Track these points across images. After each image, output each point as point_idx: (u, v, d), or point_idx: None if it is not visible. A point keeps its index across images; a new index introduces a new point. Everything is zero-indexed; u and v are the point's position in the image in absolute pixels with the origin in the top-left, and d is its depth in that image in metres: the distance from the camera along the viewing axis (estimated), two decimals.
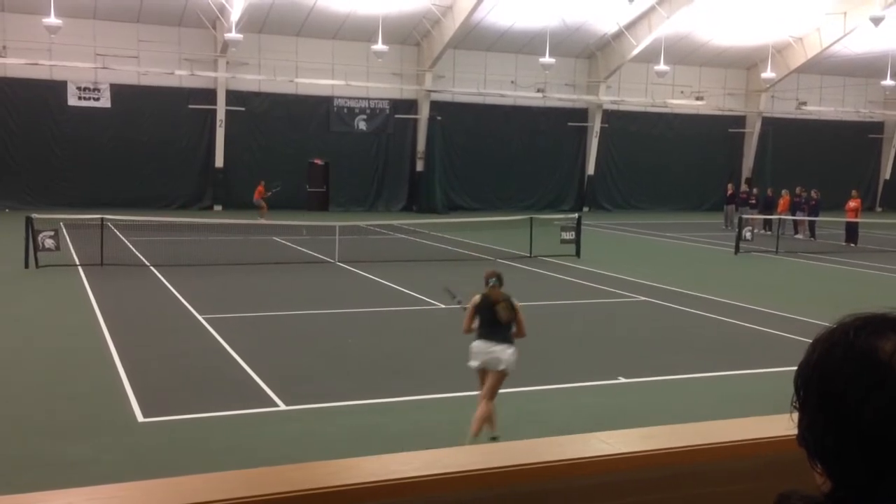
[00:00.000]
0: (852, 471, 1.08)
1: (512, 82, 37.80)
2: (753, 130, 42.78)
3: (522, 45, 36.57)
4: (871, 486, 1.07)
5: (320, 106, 35.77)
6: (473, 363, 7.92)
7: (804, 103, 41.82)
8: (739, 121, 42.94)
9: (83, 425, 8.25)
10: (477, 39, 35.79)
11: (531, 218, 23.02)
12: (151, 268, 18.29)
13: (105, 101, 32.99)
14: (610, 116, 39.98)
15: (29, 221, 17.93)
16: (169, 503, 1.67)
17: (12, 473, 6.93)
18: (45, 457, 7.33)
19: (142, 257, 19.76)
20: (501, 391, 8.01)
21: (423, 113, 36.97)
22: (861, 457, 1.07)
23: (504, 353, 7.74)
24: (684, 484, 2.10)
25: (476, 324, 7.91)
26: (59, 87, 32.34)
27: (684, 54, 38.80)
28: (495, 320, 7.79)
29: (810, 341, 1.21)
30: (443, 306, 12.05)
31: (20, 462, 7.21)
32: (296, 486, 1.77)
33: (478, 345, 7.85)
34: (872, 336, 1.10)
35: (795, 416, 1.18)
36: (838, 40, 36.38)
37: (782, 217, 28.80)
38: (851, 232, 27.72)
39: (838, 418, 1.09)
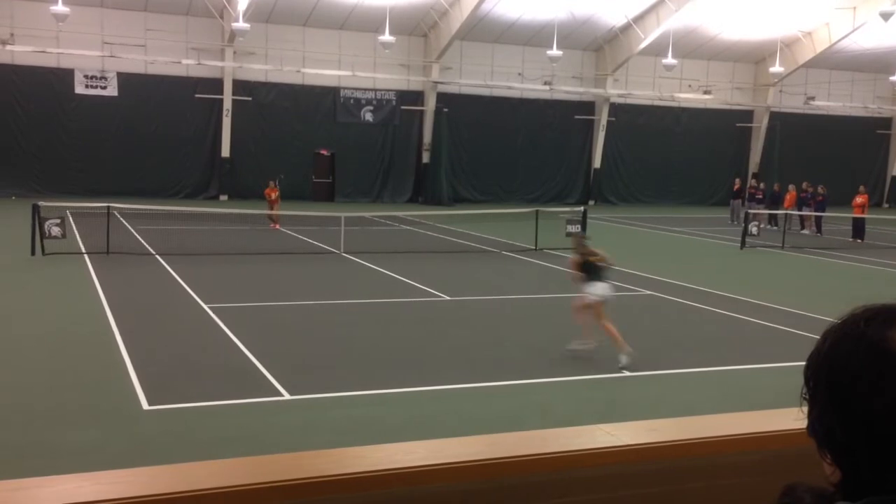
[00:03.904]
0: (861, 463, 1.08)
1: (519, 74, 37.71)
2: (761, 125, 42.64)
3: (530, 37, 36.48)
4: (880, 478, 1.06)
5: (327, 96, 35.75)
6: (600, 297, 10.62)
7: (812, 98, 41.66)
8: (747, 115, 42.80)
9: (89, 413, 8.28)
10: (484, 31, 35.70)
11: (537, 210, 23.01)
12: (157, 257, 18.32)
13: (112, 90, 33.02)
14: (617, 110, 39.88)
15: (35, 209, 17.96)
16: (174, 490, 1.68)
17: (18, 460, 6.96)
18: (51, 444, 7.36)
19: (148, 246, 19.79)
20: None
21: (430, 104, 36.92)
22: (869, 449, 1.06)
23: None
24: (689, 476, 2.10)
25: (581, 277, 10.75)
26: (66, 76, 32.37)
27: (692, 48, 38.67)
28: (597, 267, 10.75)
29: (817, 336, 1.20)
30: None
31: (26, 449, 7.24)
32: (299, 475, 1.78)
33: (601, 283, 10.67)
34: (883, 326, 1.09)
35: (804, 407, 1.18)
36: (847, 35, 36.23)
37: (789, 212, 28.72)
38: (858, 228, 27.63)
39: (847, 410, 1.08)
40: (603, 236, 24.63)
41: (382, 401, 8.92)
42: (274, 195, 25.63)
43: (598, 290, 10.59)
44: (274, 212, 25.17)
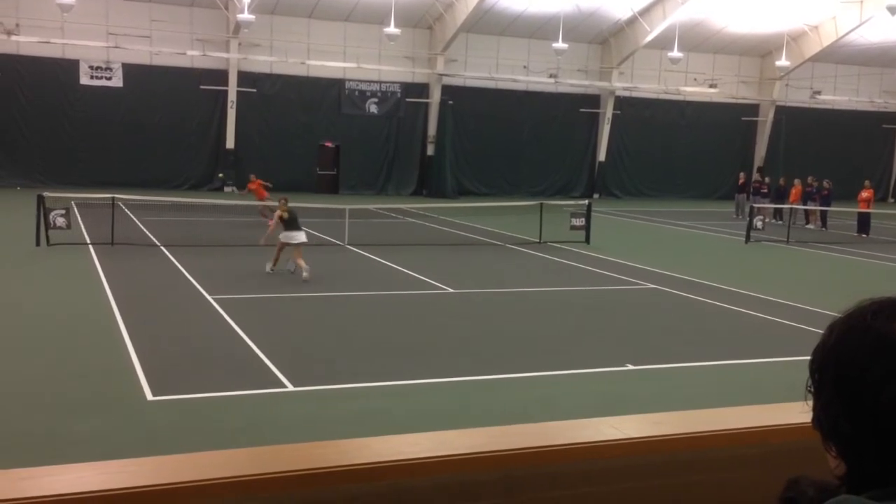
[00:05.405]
0: (866, 456, 1.08)
1: (524, 67, 37.64)
2: (766, 119, 42.54)
3: (535, 29, 36.39)
4: (885, 470, 1.06)
5: (332, 88, 35.72)
6: (298, 241, 15.26)
7: (818, 92, 41.52)
8: (753, 109, 42.69)
9: (93, 403, 8.31)
10: (490, 23, 35.63)
11: (541, 204, 22.98)
12: (162, 247, 18.34)
13: (117, 81, 33.02)
14: (622, 103, 39.80)
15: (40, 200, 17.99)
16: (179, 479, 1.68)
17: (22, 450, 6.98)
18: (55, 434, 7.39)
19: (152, 237, 19.82)
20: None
21: (435, 97, 36.88)
22: (875, 442, 1.06)
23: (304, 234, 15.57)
24: (693, 470, 2.10)
25: (282, 227, 15.47)
26: (71, 66, 32.37)
27: (698, 41, 38.55)
28: (296, 219, 15.46)
29: (822, 330, 1.20)
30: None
31: (30, 439, 7.26)
32: (304, 465, 1.78)
33: (297, 233, 15.32)
34: (890, 319, 1.09)
35: (810, 401, 1.18)
36: (854, 29, 36.08)
37: (794, 206, 28.66)
38: (863, 222, 27.57)
39: (853, 403, 1.08)
40: (607, 230, 24.64)
41: (386, 393, 8.94)
42: (254, 187, 24.06)
43: (300, 236, 15.28)
44: (266, 203, 23.45)
